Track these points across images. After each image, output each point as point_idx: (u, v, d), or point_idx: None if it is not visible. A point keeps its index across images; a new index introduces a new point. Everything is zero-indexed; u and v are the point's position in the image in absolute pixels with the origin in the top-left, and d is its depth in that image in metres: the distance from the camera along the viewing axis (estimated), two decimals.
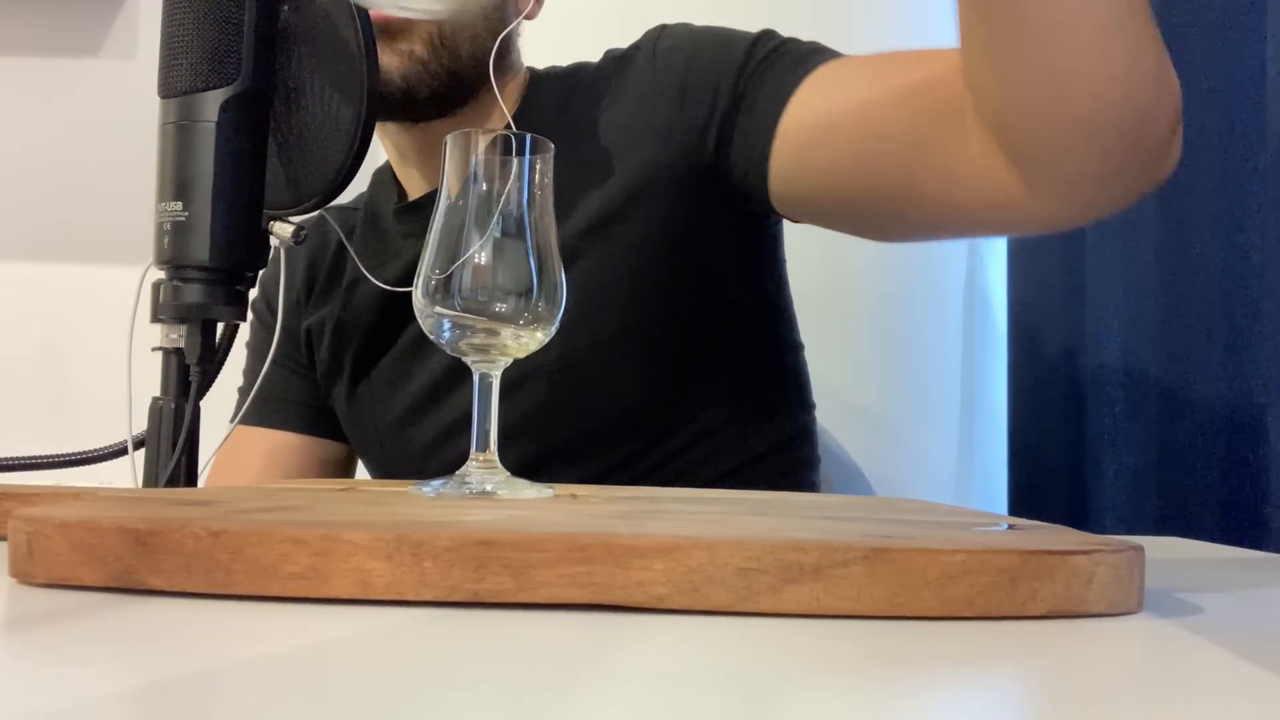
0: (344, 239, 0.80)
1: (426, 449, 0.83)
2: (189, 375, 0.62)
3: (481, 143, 0.51)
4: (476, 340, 0.50)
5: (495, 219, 0.50)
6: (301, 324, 0.90)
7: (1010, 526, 0.43)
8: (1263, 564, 0.55)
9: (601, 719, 0.22)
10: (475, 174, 0.51)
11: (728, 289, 0.81)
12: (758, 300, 0.83)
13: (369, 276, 0.74)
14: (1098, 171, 0.59)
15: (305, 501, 0.45)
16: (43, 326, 1.48)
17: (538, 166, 0.52)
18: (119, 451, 0.65)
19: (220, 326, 0.64)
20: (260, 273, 0.65)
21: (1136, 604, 0.35)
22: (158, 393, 0.63)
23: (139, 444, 0.64)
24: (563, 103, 0.82)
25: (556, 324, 0.52)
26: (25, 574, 0.34)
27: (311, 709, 0.22)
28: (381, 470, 0.89)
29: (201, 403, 0.63)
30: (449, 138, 0.52)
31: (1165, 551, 0.59)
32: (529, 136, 0.51)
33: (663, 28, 0.81)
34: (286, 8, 0.64)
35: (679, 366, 0.79)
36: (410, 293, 0.52)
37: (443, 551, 0.32)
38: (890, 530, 0.38)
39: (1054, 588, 0.33)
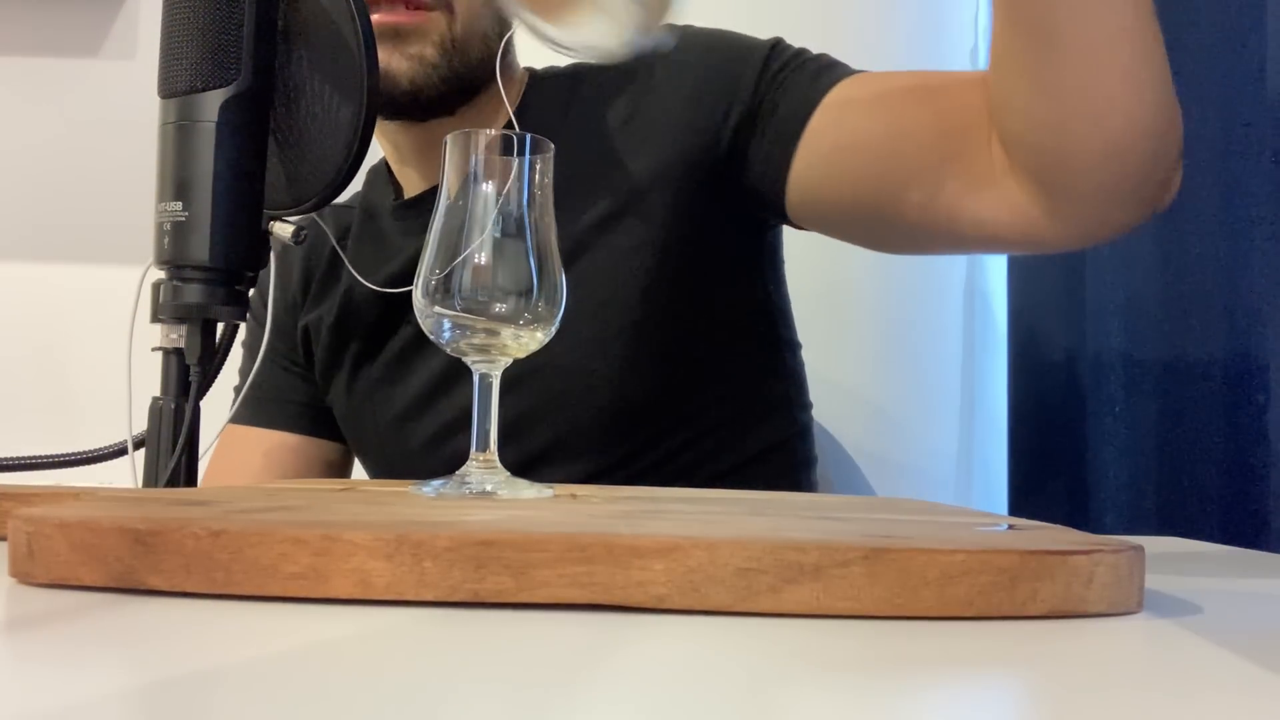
0: (336, 244, 0.80)
1: (426, 446, 0.83)
2: (189, 375, 0.62)
3: (481, 142, 0.51)
4: (476, 340, 0.50)
5: (495, 219, 0.50)
6: (298, 323, 0.90)
7: (1010, 526, 0.43)
8: (1263, 564, 0.55)
9: (601, 719, 0.22)
10: (475, 174, 0.51)
11: (728, 288, 0.81)
12: (757, 300, 0.83)
13: (363, 281, 0.74)
14: (1115, 190, 0.61)
15: (305, 501, 0.45)
16: (43, 326, 1.48)
17: (538, 166, 0.52)
18: (119, 451, 0.65)
19: (220, 326, 0.64)
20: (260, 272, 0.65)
21: (1136, 604, 0.35)
22: (158, 393, 0.63)
23: (139, 444, 0.64)
24: (566, 101, 0.82)
25: (556, 324, 0.52)
26: (25, 574, 0.34)
27: (311, 709, 0.22)
28: (381, 468, 0.89)
29: (201, 403, 0.63)
30: (449, 137, 0.52)
31: (1165, 551, 0.59)
32: (529, 136, 0.51)
33: (668, 28, 0.81)
34: (286, 7, 0.64)
35: (678, 365, 0.79)
36: (407, 291, 0.52)
37: (443, 551, 0.32)
38: (890, 530, 0.38)
39: (1054, 588, 0.33)
